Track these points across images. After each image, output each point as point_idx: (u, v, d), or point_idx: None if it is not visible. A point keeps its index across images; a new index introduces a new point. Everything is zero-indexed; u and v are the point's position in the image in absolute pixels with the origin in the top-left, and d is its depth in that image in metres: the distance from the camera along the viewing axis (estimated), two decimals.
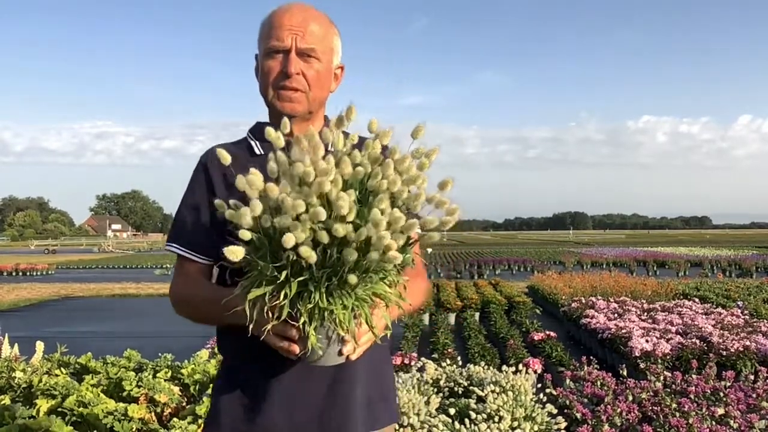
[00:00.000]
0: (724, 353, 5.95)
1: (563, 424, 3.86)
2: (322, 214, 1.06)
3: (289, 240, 1.06)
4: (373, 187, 1.14)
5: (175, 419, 3.58)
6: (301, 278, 1.09)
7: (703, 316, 7.78)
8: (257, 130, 1.48)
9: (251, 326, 1.13)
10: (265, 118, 1.50)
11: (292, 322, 1.12)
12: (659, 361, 5.82)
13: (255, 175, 1.12)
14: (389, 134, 1.19)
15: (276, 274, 1.10)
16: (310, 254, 1.07)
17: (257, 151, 1.45)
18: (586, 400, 4.48)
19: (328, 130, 1.19)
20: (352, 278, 1.08)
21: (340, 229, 1.06)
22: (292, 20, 1.37)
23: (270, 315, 1.12)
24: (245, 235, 1.10)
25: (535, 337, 7.15)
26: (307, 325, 1.11)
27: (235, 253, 1.09)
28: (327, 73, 1.43)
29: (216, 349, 1.51)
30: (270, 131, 1.18)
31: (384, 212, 1.09)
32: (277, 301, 1.10)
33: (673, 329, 6.94)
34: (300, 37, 1.37)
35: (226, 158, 1.20)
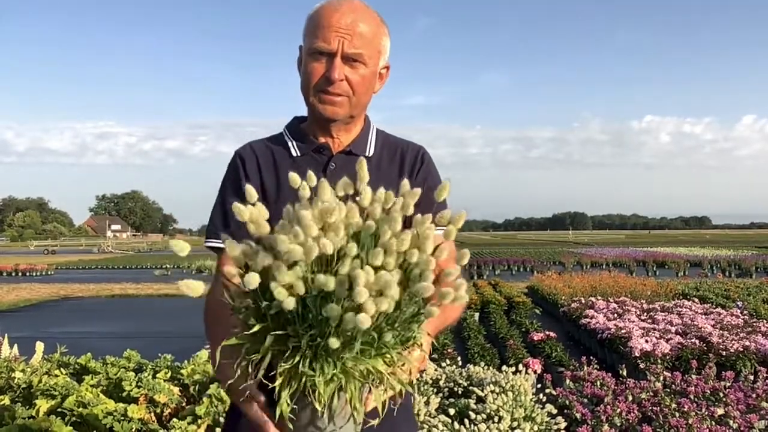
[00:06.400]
0: (724, 353, 5.96)
1: (563, 425, 3.86)
2: (313, 251, 0.91)
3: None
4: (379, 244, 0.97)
5: (174, 420, 3.58)
6: (280, 333, 0.97)
7: (703, 317, 7.79)
8: (294, 129, 1.45)
9: (222, 381, 1.05)
10: (302, 112, 1.46)
11: (266, 382, 0.99)
12: (659, 361, 5.83)
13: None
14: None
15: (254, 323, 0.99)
16: (285, 297, 0.92)
17: (294, 153, 1.41)
18: (585, 401, 4.49)
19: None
20: (334, 342, 0.93)
21: (322, 280, 0.91)
22: (341, 22, 1.30)
23: (244, 373, 1.01)
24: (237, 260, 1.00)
25: (535, 338, 7.15)
26: (281, 389, 0.98)
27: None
28: (372, 76, 1.38)
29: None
30: (293, 178, 1.03)
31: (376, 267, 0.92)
32: (253, 356, 0.98)
33: (673, 329, 6.94)
34: (348, 41, 1.30)
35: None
